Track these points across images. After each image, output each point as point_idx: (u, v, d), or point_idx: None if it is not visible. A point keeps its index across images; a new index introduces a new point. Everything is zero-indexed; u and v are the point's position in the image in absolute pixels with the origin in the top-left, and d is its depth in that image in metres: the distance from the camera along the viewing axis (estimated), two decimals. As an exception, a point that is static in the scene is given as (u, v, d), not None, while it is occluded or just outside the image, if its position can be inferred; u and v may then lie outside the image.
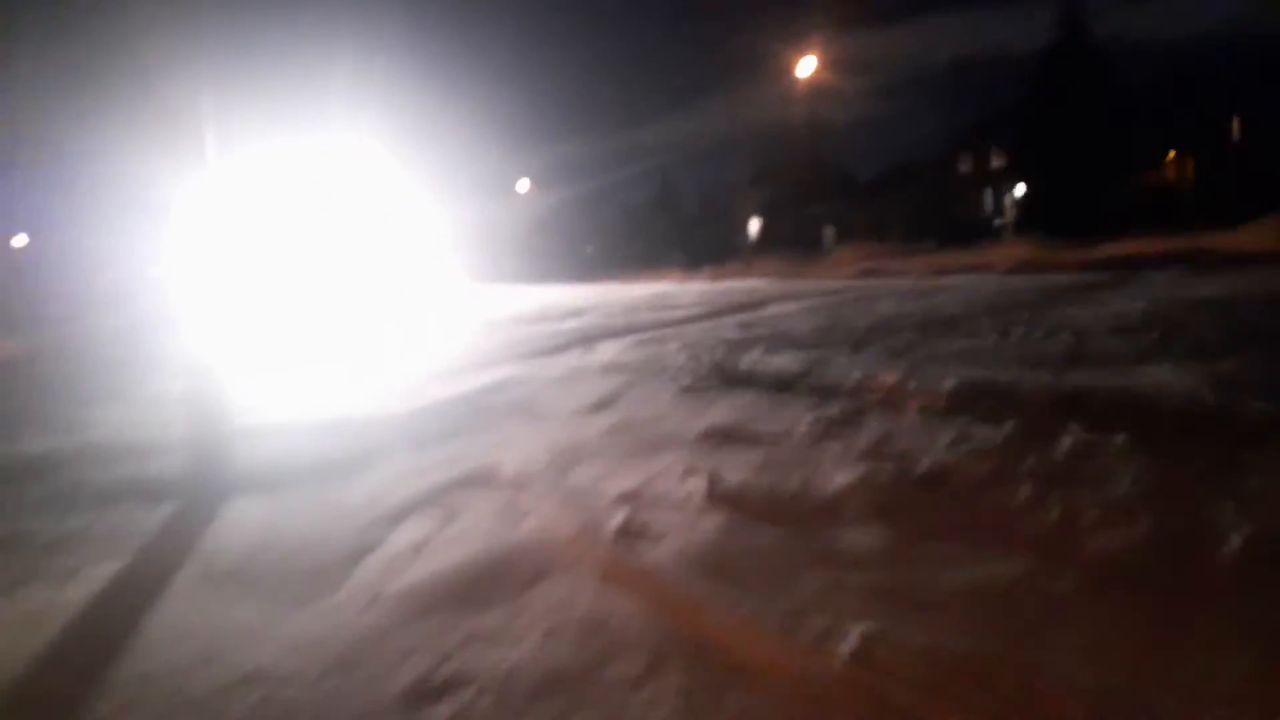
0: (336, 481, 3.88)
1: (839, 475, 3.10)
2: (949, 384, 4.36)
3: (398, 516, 3.26)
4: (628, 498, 3.13)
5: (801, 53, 30.83)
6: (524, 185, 51.36)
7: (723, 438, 3.88)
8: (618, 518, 2.90)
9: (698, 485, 3.13)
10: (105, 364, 9.74)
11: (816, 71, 31.72)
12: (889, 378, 4.76)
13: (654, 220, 57.91)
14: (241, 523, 3.34)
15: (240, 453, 4.20)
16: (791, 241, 39.29)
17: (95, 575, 2.81)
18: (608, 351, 7.69)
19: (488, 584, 2.51)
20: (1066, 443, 3.22)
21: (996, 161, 39.61)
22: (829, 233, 42.81)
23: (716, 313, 11.02)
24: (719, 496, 3.02)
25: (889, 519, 2.69)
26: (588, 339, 8.99)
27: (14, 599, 2.66)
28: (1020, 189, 36.53)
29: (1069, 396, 3.98)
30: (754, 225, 46.97)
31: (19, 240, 23.99)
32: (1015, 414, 3.70)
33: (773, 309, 10.86)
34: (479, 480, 3.61)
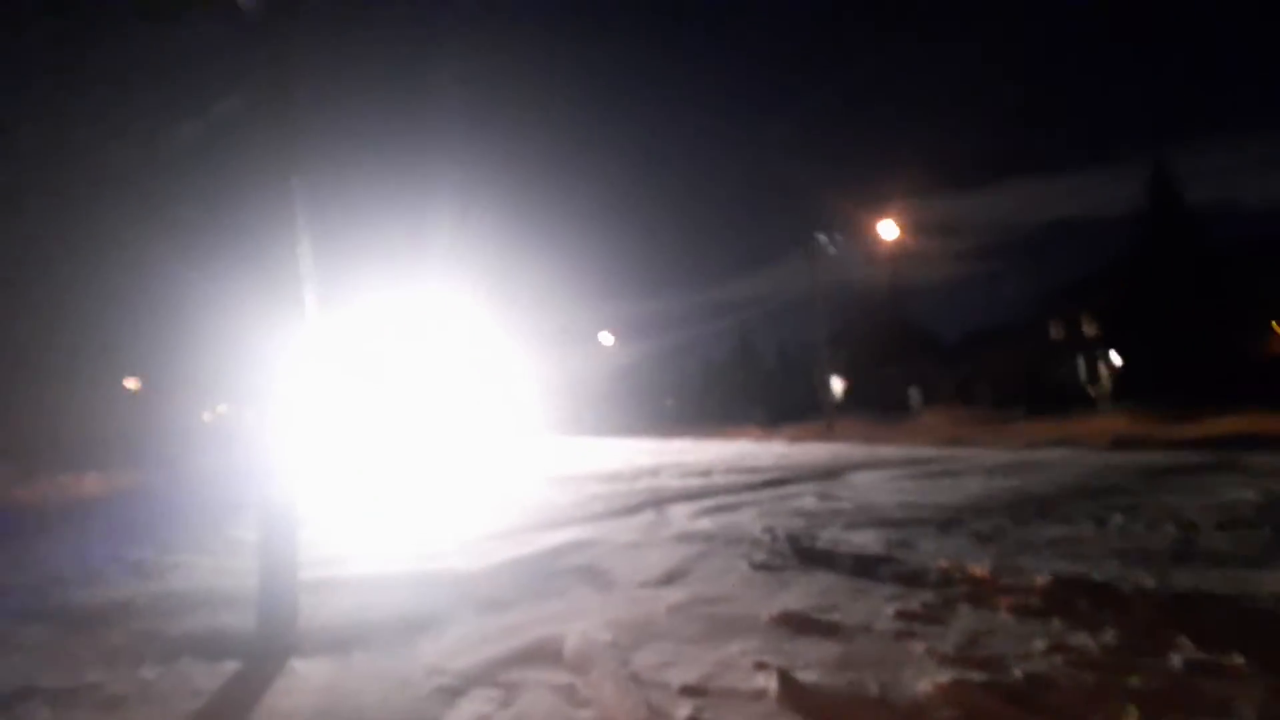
0: (400, 645, 3.83)
1: (922, 681, 2.88)
2: (1043, 579, 4.08)
3: (457, 690, 3.17)
4: (693, 691, 2.96)
5: (886, 214, 31.34)
6: (606, 338, 52.59)
7: (797, 626, 3.69)
8: (682, 715, 2.74)
9: (768, 682, 2.95)
10: (197, 507, 10.06)
11: (901, 233, 32.08)
12: (978, 568, 4.50)
13: (733, 376, 58.36)
14: (299, 688, 3.29)
15: (308, 608, 4.20)
16: (875, 402, 38.85)
17: (148, 741, 2.78)
18: (680, 516, 7.55)
19: (538, 783, 2.37)
20: (1176, 659, 2.94)
21: (1089, 327, 38.80)
22: (915, 395, 42.24)
23: (796, 478, 10.78)
24: (790, 698, 2.83)
25: (977, 739, 2.46)
26: (661, 501, 8.86)
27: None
28: (1115, 357, 35.55)
29: (1177, 602, 3.66)
30: (836, 384, 46.68)
31: (131, 383, 25.56)
32: (1117, 620, 3.42)
33: (855, 477, 10.56)
34: (540, 656, 3.50)
